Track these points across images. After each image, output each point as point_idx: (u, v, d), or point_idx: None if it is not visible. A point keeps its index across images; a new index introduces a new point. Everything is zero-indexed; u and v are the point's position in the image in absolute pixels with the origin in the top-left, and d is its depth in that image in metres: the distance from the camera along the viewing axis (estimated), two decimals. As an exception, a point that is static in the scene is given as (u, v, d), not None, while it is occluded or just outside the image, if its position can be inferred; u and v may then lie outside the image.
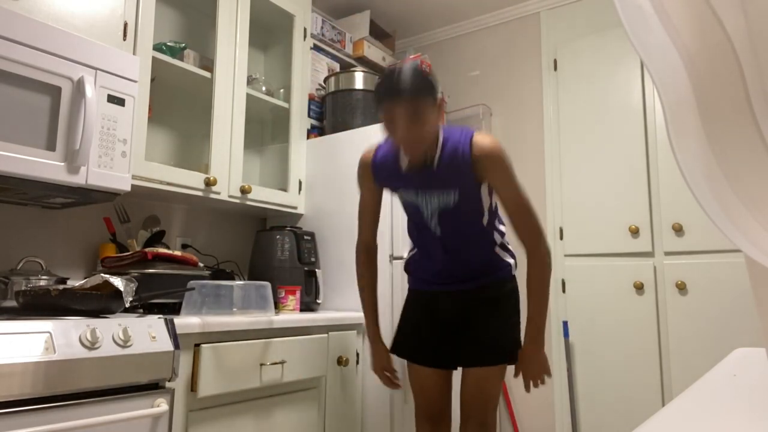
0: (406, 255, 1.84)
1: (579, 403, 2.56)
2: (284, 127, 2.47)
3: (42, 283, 1.57)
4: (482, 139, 1.48)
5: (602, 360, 2.52)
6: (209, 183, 2.02)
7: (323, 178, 2.39)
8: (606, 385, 2.50)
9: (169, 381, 1.41)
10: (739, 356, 0.85)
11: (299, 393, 1.84)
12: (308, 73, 2.54)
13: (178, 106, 2.31)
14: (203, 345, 1.55)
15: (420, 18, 3.17)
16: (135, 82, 1.68)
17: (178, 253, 1.79)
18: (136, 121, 1.77)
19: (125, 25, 1.79)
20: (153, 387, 1.38)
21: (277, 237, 2.19)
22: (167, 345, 1.40)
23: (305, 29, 2.52)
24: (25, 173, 1.42)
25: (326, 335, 1.94)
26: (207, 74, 2.10)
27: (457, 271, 1.64)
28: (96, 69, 1.58)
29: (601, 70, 2.68)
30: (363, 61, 2.89)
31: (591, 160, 2.66)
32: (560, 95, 2.80)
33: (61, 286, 1.44)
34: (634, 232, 2.49)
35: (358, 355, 2.09)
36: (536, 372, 1.56)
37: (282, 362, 1.74)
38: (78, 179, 1.53)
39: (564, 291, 2.67)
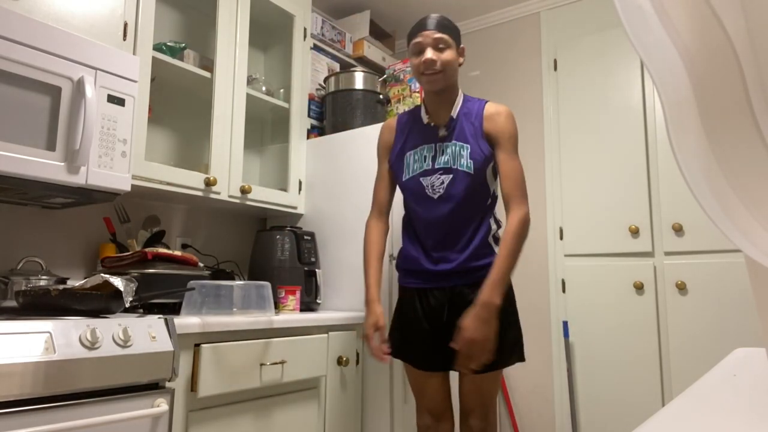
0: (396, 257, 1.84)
1: (579, 402, 2.56)
2: (284, 127, 2.47)
3: (42, 283, 1.57)
4: (496, 104, 1.73)
5: (602, 360, 2.51)
6: (209, 183, 2.02)
7: (323, 178, 2.39)
8: (606, 385, 2.49)
9: (169, 381, 1.41)
10: (739, 356, 0.84)
11: (299, 393, 1.84)
12: (308, 73, 2.54)
13: (178, 106, 2.31)
14: (203, 345, 1.55)
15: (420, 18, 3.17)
16: (135, 82, 1.68)
17: (178, 253, 1.79)
18: (136, 121, 1.77)
19: (125, 25, 1.79)
20: (153, 387, 1.38)
21: (277, 237, 2.19)
22: (167, 345, 1.40)
23: (305, 29, 2.52)
24: (25, 173, 1.42)
25: (326, 335, 1.94)
26: (207, 74, 2.10)
27: (449, 242, 1.65)
28: (96, 69, 1.58)
29: (601, 70, 2.68)
30: (363, 61, 2.89)
31: (591, 160, 2.66)
32: (560, 95, 2.80)
33: (61, 286, 1.44)
34: (634, 232, 2.49)
35: (358, 355, 2.09)
36: (481, 337, 1.46)
37: (282, 362, 1.74)
38: (78, 179, 1.53)
39: (564, 291, 2.67)
